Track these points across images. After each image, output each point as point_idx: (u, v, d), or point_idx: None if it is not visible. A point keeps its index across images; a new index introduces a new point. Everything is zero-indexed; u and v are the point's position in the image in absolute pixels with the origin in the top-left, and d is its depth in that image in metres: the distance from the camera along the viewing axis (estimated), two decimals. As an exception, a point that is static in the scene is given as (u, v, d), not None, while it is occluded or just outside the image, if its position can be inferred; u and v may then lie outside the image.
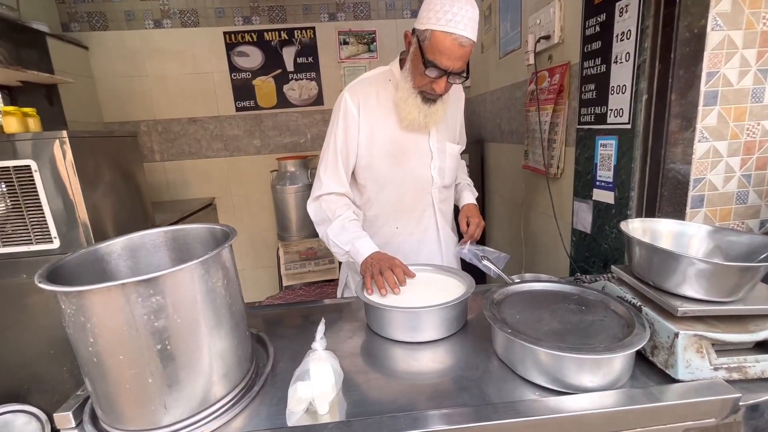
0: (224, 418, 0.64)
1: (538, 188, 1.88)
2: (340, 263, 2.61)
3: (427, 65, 0.96)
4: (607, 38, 1.24)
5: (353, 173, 1.18)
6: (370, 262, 1.01)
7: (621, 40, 1.18)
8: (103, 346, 0.56)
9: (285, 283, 2.45)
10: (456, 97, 1.26)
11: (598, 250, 1.38)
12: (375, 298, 0.92)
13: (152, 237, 0.79)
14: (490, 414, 0.61)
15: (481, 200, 2.59)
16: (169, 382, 0.59)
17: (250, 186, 3.04)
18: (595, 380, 0.65)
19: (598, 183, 1.34)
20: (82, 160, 1.50)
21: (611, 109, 1.24)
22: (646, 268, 0.75)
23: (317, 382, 0.66)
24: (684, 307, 0.67)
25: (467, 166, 2.64)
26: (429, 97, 1.05)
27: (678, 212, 1.15)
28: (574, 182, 1.49)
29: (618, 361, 0.65)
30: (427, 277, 1.04)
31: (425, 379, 0.74)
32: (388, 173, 1.16)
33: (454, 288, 0.96)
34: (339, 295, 1.38)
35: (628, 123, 1.18)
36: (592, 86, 1.33)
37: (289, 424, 0.63)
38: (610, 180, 1.28)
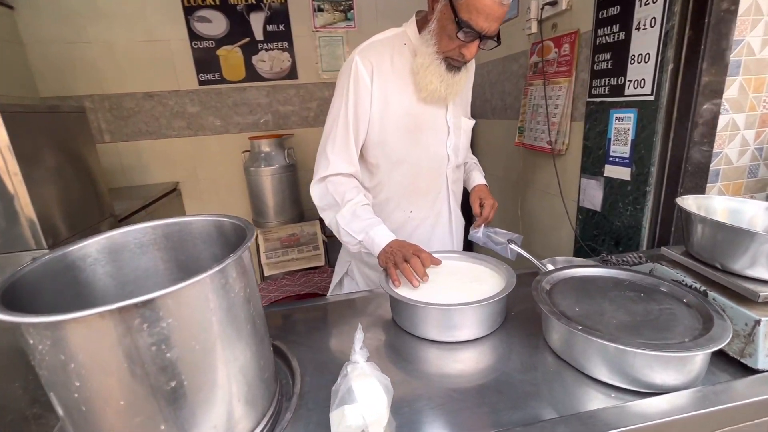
0: (256, 459, 0.51)
1: (537, 166, 1.82)
2: (326, 250, 2.48)
3: (460, 26, 0.83)
4: (628, 3, 1.16)
5: (361, 152, 1.04)
6: (389, 251, 0.89)
7: (645, 4, 1.10)
8: (94, 391, 0.41)
9: (266, 273, 2.28)
10: (470, 65, 1.14)
11: (609, 229, 1.34)
12: (406, 292, 0.81)
13: (138, 235, 0.62)
14: (580, 428, 0.52)
15: (469, 179, 2.52)
16: (186, 425, 0.46)
17: (218, 168, 2.78)
18: (680, 378, 0.58)
19: (611, 159, 1.29)
20: (20, 141, 1.24)
21: (630, 80, 1.18)
22: (711, 249, 0.69)
23: (368, 404, 0.55)
24: (766, 292, 0.61)
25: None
26: (454, 65, 0.93)
27: (699, 188, 1.11)
28: (582, 159, 1.43)
29: (703, 357, 0.59)
30: (457, 266, 0.94)
31: (477, 385, 0.65)
32: (402, 151, 1.03)
33: (489, 278, 0.87)
34: (332, 288, 1.25)
35: (651, 94, 1.11)
36: (607, 56, 1.26)
37: (339, 458, 0.51)
38: (627, 155, 1.22)
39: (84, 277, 0.58)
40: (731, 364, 0.65)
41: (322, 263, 2.36)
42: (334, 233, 1.02)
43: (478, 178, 1.23)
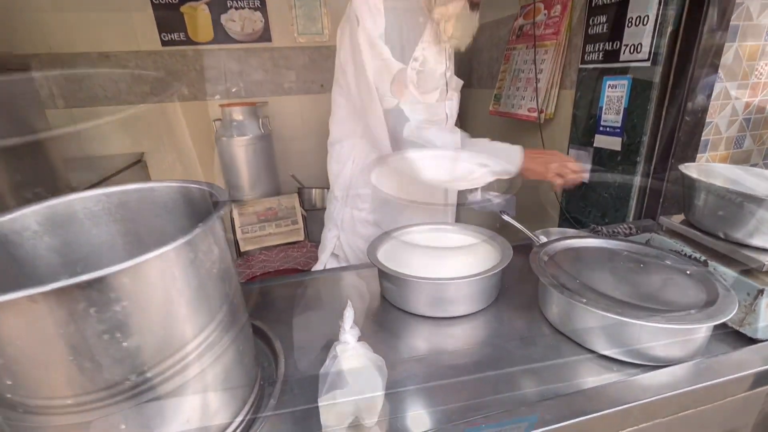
0: (237, 453, 0.46)
1: (520, 136, 1.78)
2: (305, 225, 2.39)
3: None
4: (628, -40, 1.09)
5: (351, 90, 0.93)
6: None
7: (646, -39, 1.04)
8: (32, 390, 0.34)
9: (243, 248, 2.18)
10: None
11: (596, 200, 1.33)
12: (396, 266, 0.75)
13: (88, 203, 0.53)
14: (585, 404, 0.49)
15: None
16: (152, 423, 0.39)
17: (187, 139, 2.60)
18: (683, 350, 0.56)
19: (602, 128, 1.25)
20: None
21: (627, 45, 1.13)
22: (714, 218, 0.67)
23: (361, 390, 0.50)
24: (772, 262, 0.59)
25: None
26: (475, 1, 0.83)
27: (690, 158, 1.10)
28: (571, 128, 1.40)
29: (707, 329, 0.57)
30: (450, 238, 0.89)
31: (474, 361, 0.61)
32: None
33: (483, 250, 0.83)
34: (321, 264, 1.18)
35: (648, 60, 1.07)
36: (603, 18, 1.20)
37: (331, 447, 0.47)
38: (618, 125, 1.19)
39: (22, 254, 0.48)
40: (728, 333, 0.64)
41: (302, 238, 2.29)
42: None
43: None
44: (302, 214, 2.31)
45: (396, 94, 0.93)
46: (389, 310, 0.75)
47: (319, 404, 0.50)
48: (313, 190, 2.48)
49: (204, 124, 2.52)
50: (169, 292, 0.38)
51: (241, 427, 0.48)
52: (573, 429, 0.48)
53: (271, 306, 0.79)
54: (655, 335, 0.54)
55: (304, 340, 0.67)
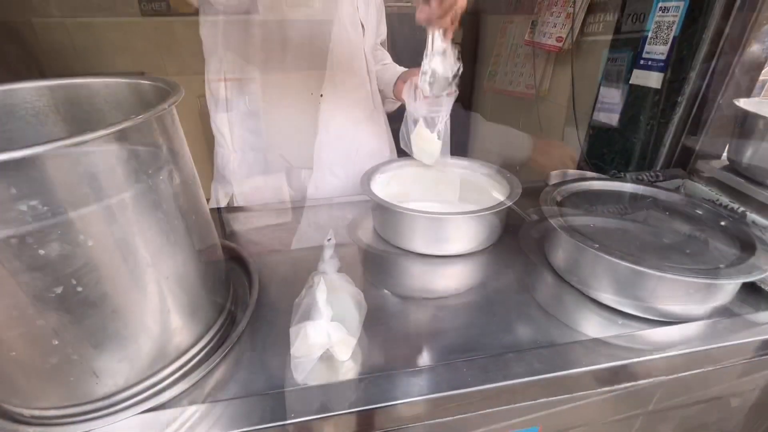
0: (193, 377, 0.43)
1: (548, 70, 1.60)
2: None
3: None
4: None
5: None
6: None
7: None
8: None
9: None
10: None
11: (623, 146, 1.20)
12: (390, 197, 0.69)
13: (30, 96, 0.45)
14: (580, 357, 0.44)
15: (470, 90, 2.28)
16: (94, 339, 0.35)
17: (187, 60, 2.44)
18: (703, 308, 0.50)
19: (643, 61, 1.09)
20: None
21: (691, -45, 0.93)
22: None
23: (335, 322, 0.45)
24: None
25: (458, 44, 2.25)
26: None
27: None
28: (606, 62, 1.23)
29: (734, 287, 0.50)
30: (455, 173, 0.80)
31: (466, 303, 0.56)
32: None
33: (490, 186, 0.75)
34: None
35: (714, -26, 0.89)
36: None
37: (298, 378, 0.43)
38: (663, 57, 1.03)
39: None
40: (757, 295, 0.57)
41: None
42: None
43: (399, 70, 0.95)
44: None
45: (400, 97, 0.85)
46: (380, 244, 0.70)
47: (291, 333, 0.46)
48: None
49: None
50: (95, 195, 0.31)
51: (204, 351, 0.45)
52: (566, 381, 0.43)
53: (254, 232, 0.74)
54: (673, 289, 0.48)
55: (285, 267, 0.63)
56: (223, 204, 0.91)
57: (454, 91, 0.73)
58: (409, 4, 2.17)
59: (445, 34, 0.65)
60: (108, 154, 0.31)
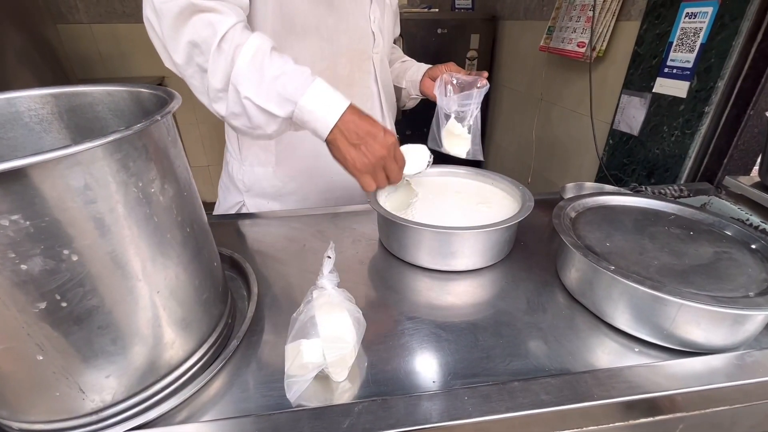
0: (184, 394, 0.42)
1: (566, 78, 1.56)
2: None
3: None
4: None
5: (249, 17, 0.67)
6: (351, 149, 0.59)
7: None
8: None
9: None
10: None
11: (645, 157, 1.15)
12: (395, 211, 0.67)
13: (33, 104, 0.45)
14: (592, 388, 0.41)
15: (486, 95, 2.24)
16: (80, 355, 0.34)
17: (208, 64, 2.48)
18: (729, 338, 0.46)
19: (667, 70, 1.05)
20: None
21: (720, -42, 0.89)
22: (801, 183, 0.52)
23: (331, 341, 0.43)
24: None
25: (474, 50, 2.22)
26: None
27: (774, 111, 0.90)
28: (628, 70, 1.18)
29: (765, 317, 0.46)
30: (463, 184, 0.78)
31: (471, 323, 0.53)
32: (309, 14, 0.70)
33: (501, 199, 0.72)
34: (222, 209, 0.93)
35: (746, -22, 0.84)
36: None
37: (290, 399, 0.41)
38: (689, 65, 0.98)
39: (-42, 155, 0.43)
40: None
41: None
42: (217, 103, 0.60)
43: (424, 67, 0.92)
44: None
45: (426, 93, 0.88)
46: (385, 258, 0.68)
47: (286, 351, 0.45)
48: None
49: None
50: (80, 206, 0.30)
51: (198, 367, 0.44)
52: (575, 414, 0.40)
53: (259, 242, 0.73)
54: (696, 318, 0.44)
55: (287, 281, 0.61)
56: (232, 210, 0.91)
57: (484, 84, 0.75)
58: (409, 11, 2.16)
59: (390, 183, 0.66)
60: (94, 167, 0.30)
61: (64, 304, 0.31)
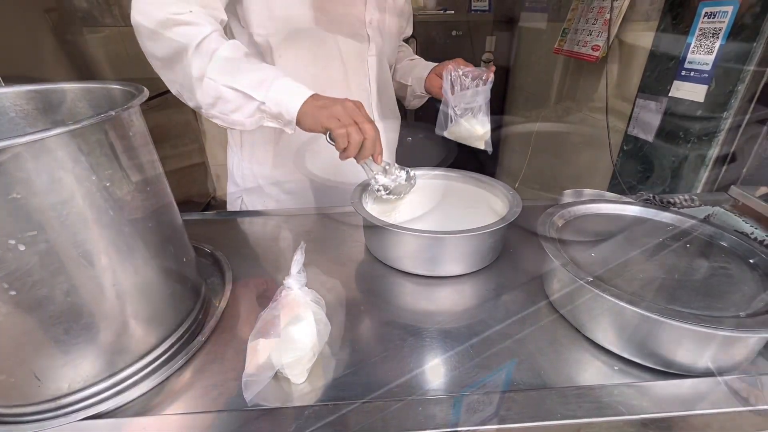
0: (142, 386, 0.42)
1: (582, 81, 1.51)
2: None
3: None
4: None
5: (241, 23, 0.71)
6: (322, 110, 0.61)
7: None
8: None
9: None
10: None
11: (659, 164, 1.10)
12: (382, 214, 0.66)
13: (18, 99, 0.47)
14: (556, 406, 0.39)
15: (502, 99, 2.20)
16: (33, 343, 0.35)
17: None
18: (720, 361, 0.42)
19: (684, 73, 0.99)
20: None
21: (742, -46, 0.83)
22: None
23: (289, 342, 0.43)
24: None
25: (490, 52, 2.18)
26: None
27: (799, 117, 0.84)
28: (644, 72, 1.13)
29: (759, 340, 0.42)
30: (452, 187, 0.76)
31: (446, 331, 0.51)
32: (301, 14, 0.70)
33: (489, 204, 0.70)
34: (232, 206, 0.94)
35: (769, -25, 0.78)
36: None
37: (247, 398, 0.41)
38: (707, 68, 0.93)
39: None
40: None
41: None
42: (197, 100, 0.62)
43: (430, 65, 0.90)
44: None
45: (432, 91, 0.87)
46: (370, 261, 0.67)
47: (248, 348, 0.44)
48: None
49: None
50: (26, 195, 0.31)
51: (159, 361, 0.44)
52: (536, 432, 0.38)
53: (244, 240, 0.73)
54: (678, 337, 0.41)
55: (265, 279, 0.61)
56: (233, 204, 0.93)
57: (489, 78, 0.74)
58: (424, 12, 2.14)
59: (374, 159, 0.66)
60: (42, 160, 0.31)
61: (12, 293, 0.32)
